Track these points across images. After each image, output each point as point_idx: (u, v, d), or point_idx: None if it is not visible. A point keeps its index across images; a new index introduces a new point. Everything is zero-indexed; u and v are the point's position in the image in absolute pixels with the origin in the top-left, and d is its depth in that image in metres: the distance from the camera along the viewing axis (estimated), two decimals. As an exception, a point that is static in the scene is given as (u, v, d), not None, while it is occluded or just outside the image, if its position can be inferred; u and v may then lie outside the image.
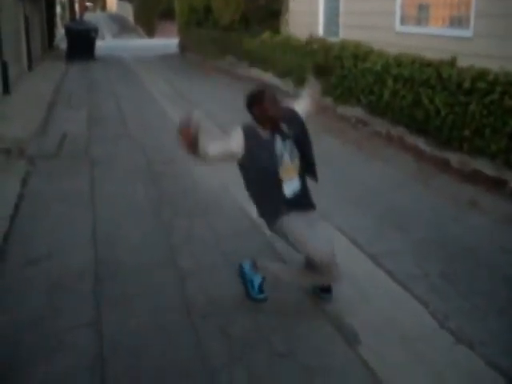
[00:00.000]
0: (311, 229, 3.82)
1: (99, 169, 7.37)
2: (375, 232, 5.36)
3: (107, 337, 3.70)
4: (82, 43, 21.30)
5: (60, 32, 30.34)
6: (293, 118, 3.91)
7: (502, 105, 6.15)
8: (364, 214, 5.74)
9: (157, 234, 5.36)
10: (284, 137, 3.83)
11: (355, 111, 9.60)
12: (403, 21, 9.55)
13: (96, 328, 3.80)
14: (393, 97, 8.22)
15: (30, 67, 16.63)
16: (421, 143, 7.75)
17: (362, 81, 9.14)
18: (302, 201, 3.92)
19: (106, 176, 7.07)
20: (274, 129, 3.82)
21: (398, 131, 8.33)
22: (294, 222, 3.80)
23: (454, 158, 7.05)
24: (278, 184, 3.79)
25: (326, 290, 4.15)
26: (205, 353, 3.53)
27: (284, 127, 3.84)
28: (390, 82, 8.24)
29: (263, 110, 3.77)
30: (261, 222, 4.68)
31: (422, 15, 9.17)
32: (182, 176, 7.06)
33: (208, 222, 5.61)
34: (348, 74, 9.63)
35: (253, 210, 5.79)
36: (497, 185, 6.32)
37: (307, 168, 3.95)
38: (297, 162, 3.87)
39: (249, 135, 3.79)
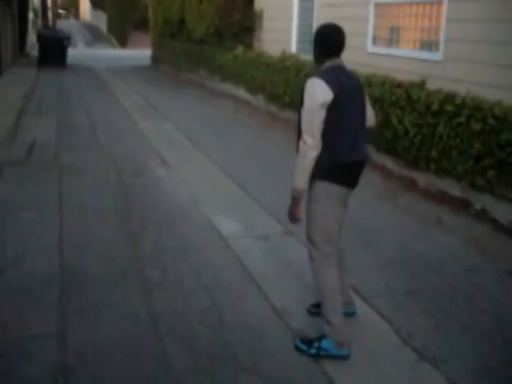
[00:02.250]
0: None
1: (68, 177, 7.32)
2: (342, 249, 5.41)
3: (72, 346, 3.67)
4: (53, 51, 21.13)
5: (32, 39, 30.07)
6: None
7: (468, 128, 6.29)
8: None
9: (124, 244, 5.34)
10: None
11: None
12: (375, 42, 9.71)
13: (61, 337, 3.77)
14: (363, 116, 8.31)
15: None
16: (389, 162, 7.87)
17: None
18: None
19: (75, 185, 7.02)
20: None
21: (367, 150, 8.44)
22: None
23: (421, 178, 7.18)
24: None
25: None
26: (170, 365, 3.53)
27: None
28: (360, 102, 8.34)
29: None
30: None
31: (393, 37, 9.33)
32: (151, 187, 7.04)
33: (176, 233, 5.60)
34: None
35: (221, 223, 5.86)
36: (462, 205, 6.45)
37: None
38: None
39: None
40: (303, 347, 3.71)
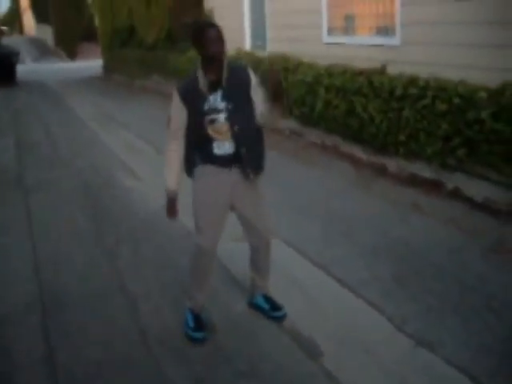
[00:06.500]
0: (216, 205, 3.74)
1: (34, 196, 7.12)
2: (322, 241, 5.37)
3: (61, 371, 3.55)
4: (2, 68, 20.66)
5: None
6: (241, 79, 3.56)
7: (434, 109, 6.30)
8: (309, 223, 5.75)
9: (102, 259, 5.21)
10: (226, 94, 3.50)
11: (288, 123, 9.66)
12: (330, 32, 9.69)
13: (49, 363, 3.63)
14: (326, 107, 8.30)
15: None
16: (357, 151, 7.85)
17: (294, 93, 9.21)
18: (237, 164, 3.64)
19: (43, 203, 6.83)
20: (217, 76, 3.47)
21: (332, 140, 8.43)
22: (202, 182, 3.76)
23: (391, 163, 7.18)
24: (206, 140, 3.56)
25: (276, 308, 4.09)
26: (166, 378, 3.43)
27: (227, 82, 3.49)
28: (322, 93, 8.33)
29: (205, 44, 3.37)
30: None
31: (348, 25, 9.32)
32: (121, 198, 6.90)
33: (153, 243, 5.49)
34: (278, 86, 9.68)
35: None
36: (435, 187, 6.46)
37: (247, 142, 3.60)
38: (229, 125, 3.52)
39: (185, 94, 3.51)
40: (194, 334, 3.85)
